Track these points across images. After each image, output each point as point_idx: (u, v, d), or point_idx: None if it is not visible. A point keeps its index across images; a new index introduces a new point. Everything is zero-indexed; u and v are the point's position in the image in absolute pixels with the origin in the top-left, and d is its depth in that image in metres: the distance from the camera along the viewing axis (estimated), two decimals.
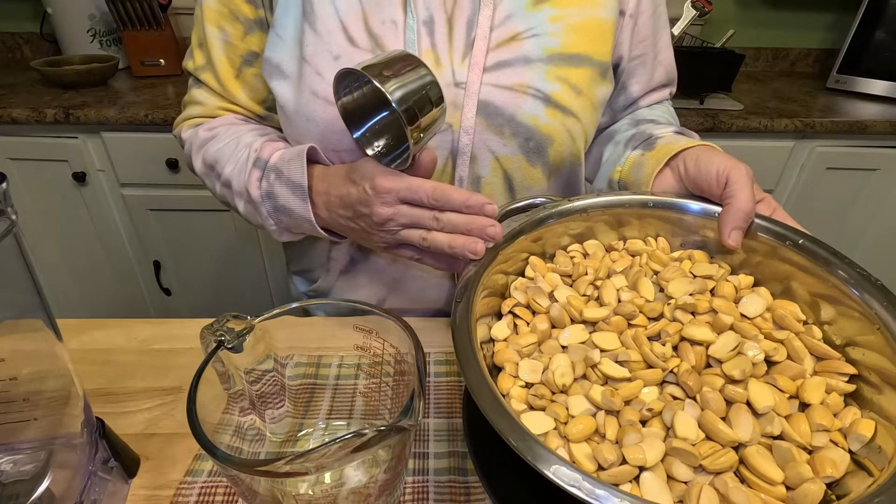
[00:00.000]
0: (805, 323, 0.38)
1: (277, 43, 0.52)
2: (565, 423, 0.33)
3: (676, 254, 0.45)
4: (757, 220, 0.42)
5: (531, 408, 0.34)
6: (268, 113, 0.60)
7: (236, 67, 0.57)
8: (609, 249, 0.46)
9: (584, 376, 0.35)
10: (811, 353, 0.35)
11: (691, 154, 0.47)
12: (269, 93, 0.58)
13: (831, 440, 0.30)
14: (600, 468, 0.30)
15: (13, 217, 0.27)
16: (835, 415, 0.32)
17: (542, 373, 0.36)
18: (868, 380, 0.33)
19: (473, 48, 0.50)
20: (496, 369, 0.37)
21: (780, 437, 0.31)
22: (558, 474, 0.25)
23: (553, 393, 0.35)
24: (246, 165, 0.52)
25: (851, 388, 0.33)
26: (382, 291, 0.61)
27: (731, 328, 0.36)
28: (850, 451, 0.30)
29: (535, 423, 0.32)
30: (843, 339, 0.36)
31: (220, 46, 0.55)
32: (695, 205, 0.45)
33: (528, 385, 0.36)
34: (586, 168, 0.65)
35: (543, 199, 0.46)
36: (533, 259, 0.44)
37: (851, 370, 0.33)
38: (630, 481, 0.30)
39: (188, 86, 0.61)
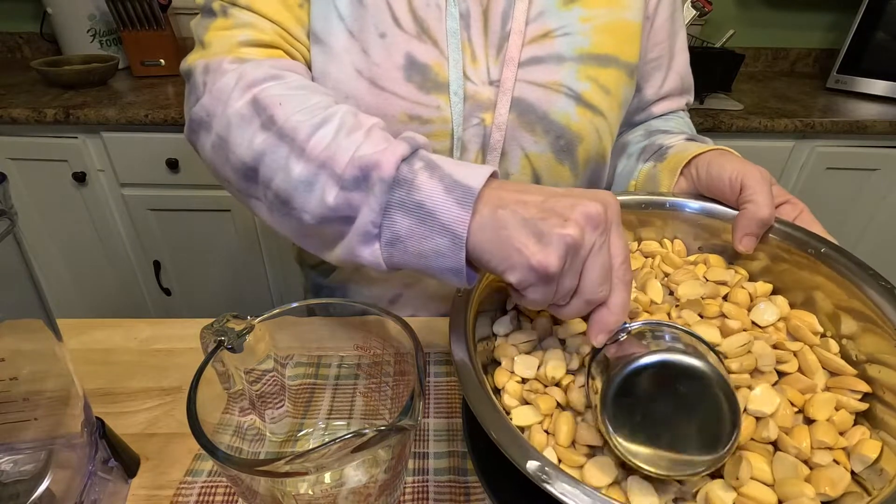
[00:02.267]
0: (822, 336, 0.37)
1: (318, 9, 0.47)
2: (550, 416, 0.33)
3: (692, 257, 0.45)
4: (780, 227, 0.42)
5: (525, 402, 0.35)
6: None
7: None
8: None
9: (582, 365, 0.36)
10: (824, 368, 0.34)
11: (703, 160, 0.46)
12: None
13: (834, 459, 0.30)
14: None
15: (13, 217, 0.27)
16: (842, 433, 0.31)
17: (538, 369, 0.36)
18: (883, 399, 0.32)
19: (509, 42, 0.50)
20: (495, 363, 0.38)
21: (777, 448, 0.31)
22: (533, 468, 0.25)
23: (545, 386, 0.35)
24: (362, 135, 0.36)
25: (864, 406, 0.32)
26: (398, 288, 0.61)
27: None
28: (851, 472, 0.29)
29: (523, 417, 0.33)
30: (862, 354, 0.35)
31: None
32: (716, 207, 0.45)
33: (525, 381, 0.36)
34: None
35: None
36: None
37: (865, 388, 0.33)
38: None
39: (213, 12, 0.46)
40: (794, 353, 0.35)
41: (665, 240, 0.47)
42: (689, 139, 0.53)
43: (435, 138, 0.51)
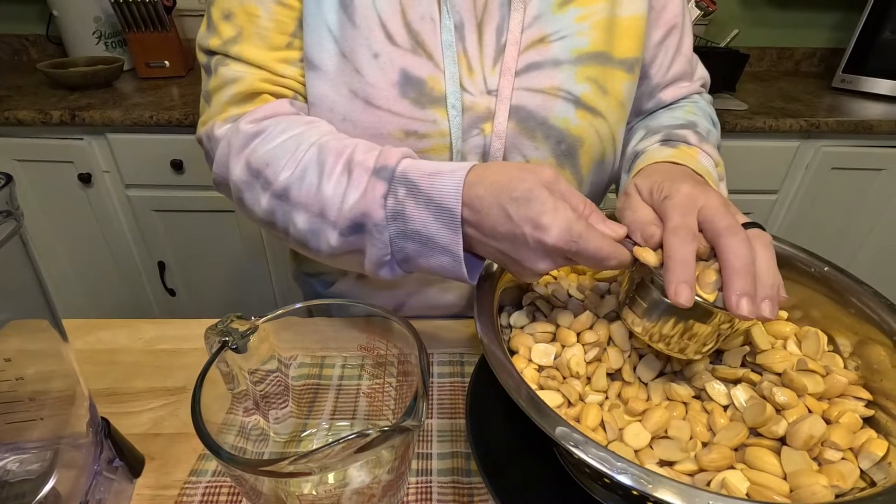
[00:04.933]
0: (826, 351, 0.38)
1: (310, 33, 0.48)
2: (573, 405, 0.35)
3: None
4: (782, 247, 0.41)
5: (542, 388, 0.36)
6: None
7: (290, 33, 0.48)
8: None
9: (598, 360, 0.37)
10: (828, 374, 0.35)
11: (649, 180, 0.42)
12: None
13: (843, 458, 0.30)
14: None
15: (19, 218, 0.27)
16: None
17: (554, 358, 0.37)
18: (885, 408, 0.33)
19: (505, 53, 0.49)
20: (511, 353, 0.38)
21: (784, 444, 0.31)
22: (563, 436, 0.26)
23: (564, 378, 0.36)
24: (343, 175, 0.41)
25: (870, 412, 0.33)
26: (401, 297, 0.61)
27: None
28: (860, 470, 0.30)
29: (546, 399, 0.34)
30: (864, 367, 0.36)
31: (268, 10, 0.47)
32: None
33: (541, 368, 0.37)
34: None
35: None
36: None
37: (867, 396, 0.34)
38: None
39: (209, 70, 0.50)
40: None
41: None
42: (664, 140, 0.50)
43: (433, 152, 0.50)
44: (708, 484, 0.30)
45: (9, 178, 0.26)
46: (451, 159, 0.51)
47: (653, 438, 0.32)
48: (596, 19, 0.50)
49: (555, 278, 0.44)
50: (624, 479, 0.24)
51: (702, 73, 0.62)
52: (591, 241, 0.34)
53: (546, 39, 0.50)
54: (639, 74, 0.55)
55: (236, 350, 0.33)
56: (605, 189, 0.61)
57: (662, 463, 0.31)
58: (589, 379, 0.36)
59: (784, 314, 0.40)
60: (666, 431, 0.33)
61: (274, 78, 0.49)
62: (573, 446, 0.25)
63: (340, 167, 0.42)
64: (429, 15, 0.48)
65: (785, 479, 0.29)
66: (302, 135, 0.45)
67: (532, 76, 0.50)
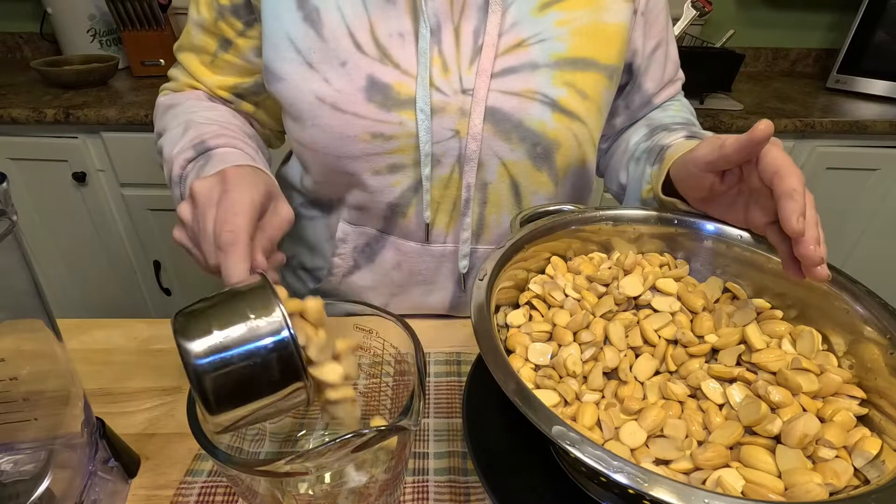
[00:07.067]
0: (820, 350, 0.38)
1: (270, 48, 0.51)
2: (570, 404, 0.35)
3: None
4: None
5: (538, 387, 0.36)
6: (234, 97, 0.59)
7: (212, 53, 0.57)
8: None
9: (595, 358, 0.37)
10: (823, 373, 0.35)
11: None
12: (240, 80, 0.58)
13: (836, 455, 0.31)
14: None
15: (13, 217, 0.27)
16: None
17: (551, 358, 0.37)
18: (879, 406, 0.33)
19: (481, 55, 0.49)
20: (508, 353, 0.39)
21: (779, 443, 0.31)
22: (560, 435, 0.26)
23: (560, 377, 0.36)
24: (182, 139, 0.51)
25: (864, 411, 0.33)
26: (386, 297, 0.61)
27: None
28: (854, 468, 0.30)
29: (542, 398, 0.34)
30: (858, 366, 0.36)
31: (197, 32, 0.56)
32: (726, 228, 0.44)
33: (538, 367, 0.37)
34: (611, 185, 0.64)
35: (571, 207, 0.46)
36: (554, 259, 0.45)
37: (861, 394, 0.34)
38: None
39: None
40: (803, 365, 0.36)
41: (666, 253, 0.47)
42: (688, 136, 0.52)
43: (400, 153, 0.51)
44: (703, 482, 0.30)
45: (3, 177, 0.26)
46: (419, 160, 0.51)
47: (649, 437, 0.32)
48: (576, 25, 0.50)
49: (551, 277, 0.44)
50: (620, 478, 0.24)
51: (681, 73, 0.64)
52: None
53: (524, 43, 0.50)
54: (618, 82, 0.57)
55: None
56: (586, 190, 0.62)
57: (658, 461, 0.31)
58: (585, 378, 0.36)
59: (779, 313, 0.40)
60: (662, 430, 0.33)
61: (196, 84, 0.59)
62: (569, 445, 0.25)
63: (189, 138, 0.51)
64: (397, 31, 0.49)
65: (780, 477, 0.29)
66: (191, 112, 0.55)
67: (508, 79, 0.50)
